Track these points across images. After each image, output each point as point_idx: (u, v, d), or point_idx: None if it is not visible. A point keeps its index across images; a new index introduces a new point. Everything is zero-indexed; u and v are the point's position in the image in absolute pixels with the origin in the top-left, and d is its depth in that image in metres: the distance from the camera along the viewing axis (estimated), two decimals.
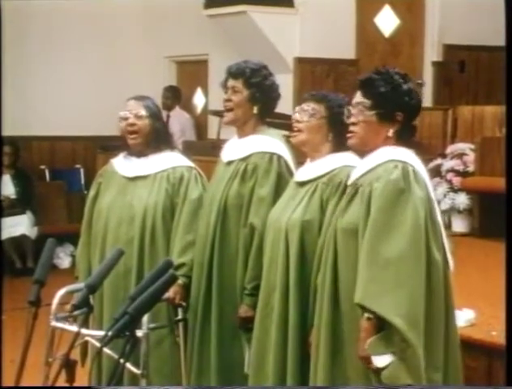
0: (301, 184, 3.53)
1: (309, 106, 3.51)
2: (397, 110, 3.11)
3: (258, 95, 3.85)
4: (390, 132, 3.12)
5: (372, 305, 2.94)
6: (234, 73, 3.88)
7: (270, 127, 3.97)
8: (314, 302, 3.30)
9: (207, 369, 3.85)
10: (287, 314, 3.42)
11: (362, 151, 3.23)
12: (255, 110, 3.87)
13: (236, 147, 3.93)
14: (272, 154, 3.80)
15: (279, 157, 3.80)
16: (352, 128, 3.16)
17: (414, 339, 2.92)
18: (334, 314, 3.18)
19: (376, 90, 3.12)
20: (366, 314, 2.97)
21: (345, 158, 3.43)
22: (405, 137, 3.16)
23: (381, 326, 2.96)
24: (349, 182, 3.21)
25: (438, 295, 3.05)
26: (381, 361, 2.95)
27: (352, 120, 3.15)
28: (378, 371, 2.98)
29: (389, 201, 3.00)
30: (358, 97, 3.16)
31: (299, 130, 3.52)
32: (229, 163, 3.91)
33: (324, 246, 3.24)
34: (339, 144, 3.44)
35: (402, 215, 2.97)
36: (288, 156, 3.83)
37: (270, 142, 3.85)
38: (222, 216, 3.82)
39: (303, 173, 3.57)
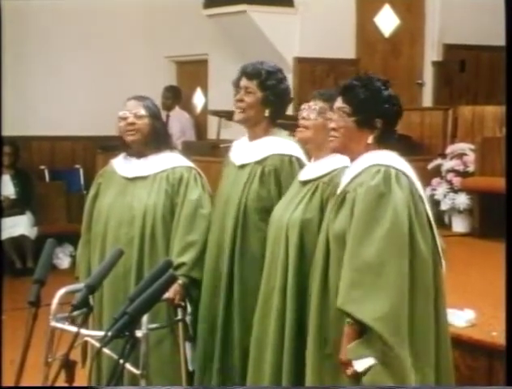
0: (304, 183, 3.54)
1: (316, 105, 3.52)
2: (376, 117, 3.12)
3: (271, 98, 3.82)
4: (370, 139, 3.13)
5: (351, 309, 2.95)
6: (249, 73, 3.84)
7: (281, 129, 3.93)
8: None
9: (231, 371, 3.83)
10: (285, 313, 3.42)
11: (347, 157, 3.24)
12: (267, 113, 3.84)
13: (249, 150, 3.90)
14: (291, 156, 3.78)
15: (298, 159, 3.79)
16: (332, 133, 3.17)
17: (395, 342, 2.92)
18: (323, 320, 3.19)
19: (356, 96, 3.12)
20: (347, 320, 2.98)
21: (346, 159, 3.38)
22: (386, 141, 3.17)
23: (364, 331, 2.96)
24: (339, 190, 3.21)
25: (425, 294, 3.04)
26: (361, 364, 2.95)
27: (333, 125, 3.16)
28: (356, 377, 2.98)
29: (369, 205, 3.00)
30: (339, 102, 3.17)
31: (305, 127, 3.53)
32: (243, 166, 3.88)
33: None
34: None
35: (382, 219, 2.98)
36: (303, 157, 3.80)
37: (285, 144, 3.83)
38: (242, 220, 3.79)
39: (306, 173, 3.58)
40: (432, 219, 3.13)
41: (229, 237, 3.81)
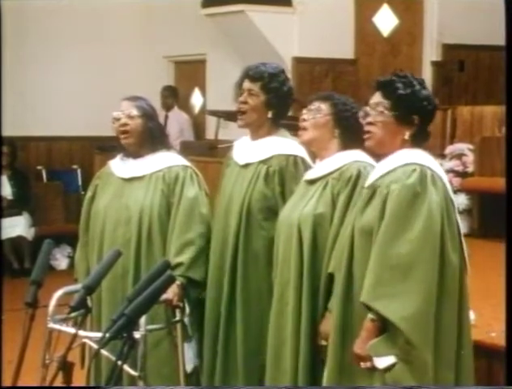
0: (311, 182, 3.57)
1: (314, 105, 3.56)
2: (414, 114, 3.14)
3: (274, 100, 3.83)
4: (407, 135, 3.14)
5: (378, 306, 2.96)
6: (252, 76, 3.85)
7: (284, 130, 3.94)
8: (324, 293, 3.36)
9: (234, 372, 3.84)
10: (301, 307, 3.44)
11: (379, 154, 3.25)
12: (270, 115, 3.85)
13: (252, 150, 3.90)
14: (296, 156, 3.80)
15: (303, 159, 3.80)
16: (368, 128, 3.18)
17: (419, 341, 2.93)
18: (346, 313, 3.20)
19: (396, 92, 3.15)
20: (370, 316, 2.99)
21: (354, 154, 3.47)
22: (420, 141, 3.19)
23: (384, 328, 2.97)
24: (367, 184, 3.22)
25: (452, 297, 3.05)
26: (382, 362, 2.97)
27: (370, 119, 3.17)
28: (371, 371, 3.01)
29: (403, 204, 3.01)
30: (377, 98, 3.19)
31: (305, 129, 3.56)
32: (246, 165, 3.89)
33: (339, 244, 3.27)
34: (347, 141, 3.51)
35: (415, 219, 2.98)
36: (308, 158, 3.81)
37: (290, 144, 3.84)
38: (245, 218, 3.80)
39: (313, 172, 3.61)
40: (459, 225, 3.13)
41: (232, 235, 3.83)
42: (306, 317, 3.43)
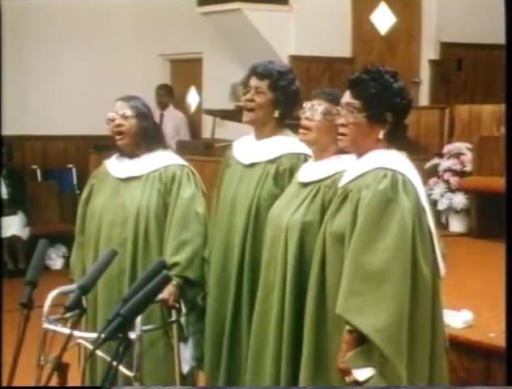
0: (304, 184, 3.47)
1: (320, 105, 3.42)
2: (387, 111, 3.04)
3: (282, 99, 3.75)
4: (381, 134, 3.05)
5: (351, 318, 2.90)
6: (260, 73, 3.76)
7: (288, 129, 3.87)
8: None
9: (239, 372, 3.79)
10: (284, 312, 3.38)
11: (355, 153, 3.16)
12: (276, 114, 3.77)
13: (258, 149, 3.83)
14: (306, 155, 3.72)
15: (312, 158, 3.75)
16: (341, 130, 3.09)
17: (393, 354, 2.87)
18: (319, 317, 3.15)
19: (366, 91, 3.04)
20: (347, 327, 2.93)
21: (348, 161, 3.32)
22: (396, 137, 3.10)
23: (363, 338, 2.90)
24: (340, 185, 3.16)
25: (424, 307, 2.99)
26: (361, 374, 2.91)
27: (342, 121, 3.08)
28: (356, 384, 2.94)
29: (375, 211, 2.94)
30: (347, 97, 3.09)
31: (308, 129, 3.44)
32: (252, 165, 3.82)
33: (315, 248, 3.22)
34: None
35: (387, 227, 2.91)
36: None
37: (297, 143, 3.75)
38: (254, 218, 3.73)
39: (307, 174, 3.51)
40: (433, 229, 3.05)
41: (239, 235, 3.77)
42: (288, 323, 3.35)
